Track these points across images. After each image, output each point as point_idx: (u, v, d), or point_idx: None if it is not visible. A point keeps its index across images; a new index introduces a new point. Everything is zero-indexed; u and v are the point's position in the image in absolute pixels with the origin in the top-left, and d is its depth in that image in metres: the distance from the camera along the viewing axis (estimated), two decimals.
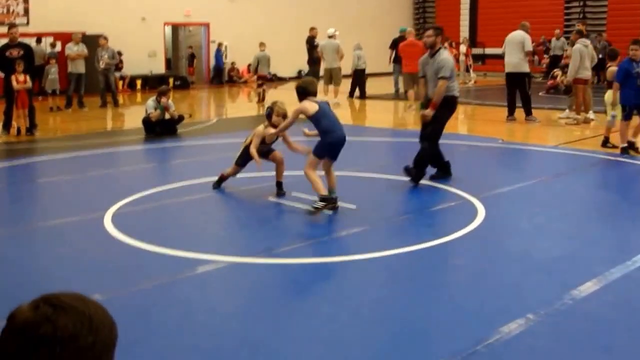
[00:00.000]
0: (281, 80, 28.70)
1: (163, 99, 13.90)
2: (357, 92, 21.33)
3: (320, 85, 19.80)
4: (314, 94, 7.69)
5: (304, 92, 7.61)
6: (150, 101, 13.97)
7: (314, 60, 20.23)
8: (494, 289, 5.45)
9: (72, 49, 19.19)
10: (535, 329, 4.55)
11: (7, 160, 11.74)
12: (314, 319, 4.80)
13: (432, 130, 8.98)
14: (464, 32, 32.41)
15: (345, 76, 20.58)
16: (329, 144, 7.46)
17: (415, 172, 8.86)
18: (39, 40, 21.40)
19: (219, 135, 13.86)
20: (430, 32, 9.10)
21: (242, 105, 22.31)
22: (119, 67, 22.62)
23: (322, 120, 7.44)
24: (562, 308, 4.90)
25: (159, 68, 26.74)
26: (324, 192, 7.32)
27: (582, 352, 4.23)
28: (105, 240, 6.70)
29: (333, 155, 7.57)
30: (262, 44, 21.10)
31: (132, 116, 18.03)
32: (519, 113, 15.10)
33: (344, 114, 17.81)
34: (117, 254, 6.39)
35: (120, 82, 23.94)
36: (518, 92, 14.95)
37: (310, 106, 7.43)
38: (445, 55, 9.04)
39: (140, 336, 4.44)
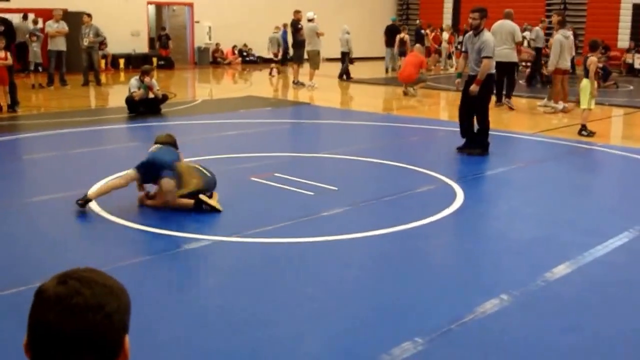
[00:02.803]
0: (268, 61, 28.74)
1: (146, 78, 13.91)
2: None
3: (306, 68, 20.05)
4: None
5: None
6: (134, 80, 13.99)
7: (298, 43, 20.29)
8: (470, 269, 5.61)
9: (52, 26, 19.08)
10: (508, 309, 4.70)
11: None
12: (294, 298, 4.91)
13: (480, 105, 9.98)
14: (447, 18, 32.54)
15: (335, 59, 21.01)
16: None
17: (479, 146, 9.96)
18: (25, 17, 21.27)
19: (202, 115, 13.92)
20: (476, 14, 9.93)
21: (226, 86, 22.32)
22: (102, 45, 22.50)
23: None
24: (535, 289, 5.06)
25: (143, 47, 26.64)
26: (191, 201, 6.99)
27: (551, 332, 4.38)
28: (88, 217, 6.78)
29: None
30: (276, 27, 24.70)
31: (115, 95, 18.03)
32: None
33: (330, 97, 17.94)
34: (101, 231, 6.48)
35: (103, 61, 23.85)
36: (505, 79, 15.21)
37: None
38: (488, 35, 9.99)
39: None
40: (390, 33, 24.35)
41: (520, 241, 6.28)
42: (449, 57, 27.92)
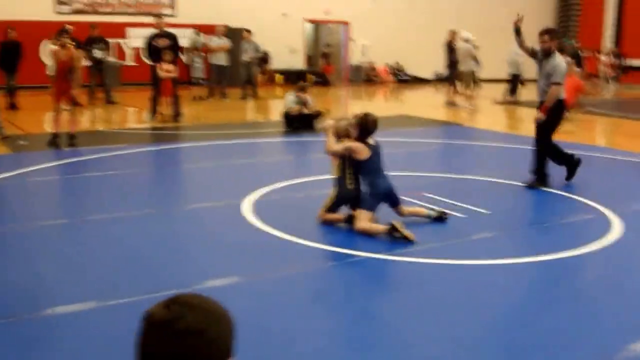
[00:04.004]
0: (420, 81, 28.75)
1: (302, 94, 14.28)
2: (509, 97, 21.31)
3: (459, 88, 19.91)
4: (373, 133, 7.11)
5: (365, 131, 7.05)
6: (290, 96, 14.40)
7: (452, 63, 20.19)
8: (626, 305, 5.35)
9: (215, 41, 19.93)
10: None
11: (152, 144, 12.45)
12: (438, 321, 4.88)
13: (543, 132, 9.22)
14: (607, 41, 31.31)
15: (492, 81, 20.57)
16: (377, 194, 7.01)
17: (536, 179, 9.19)
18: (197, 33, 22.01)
19: None
20: (546, 37, 9.09)
21: (379, 104, 22.47)
22: (265, 60, 23.18)
23: (374, 173, 7.01)
24: None
25: (299, 64, 27.32)
26: (384, 227, 6.68)
27: None
28: (242, 226, 7.04)
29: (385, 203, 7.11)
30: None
31: (272, 109, 18.58)
32: None
33: (484, 119, 17.70)
34: (253, 241, 6.69)
35: (261, 76, 24.65)
36: None
37: (363, 151, 6.94)
38: (559, 59, 9.06)
39: (272, 321, 4.69)
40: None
41: None
42: (608, 81, 26.85)
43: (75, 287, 5.33)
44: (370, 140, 7.06)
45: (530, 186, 9.17)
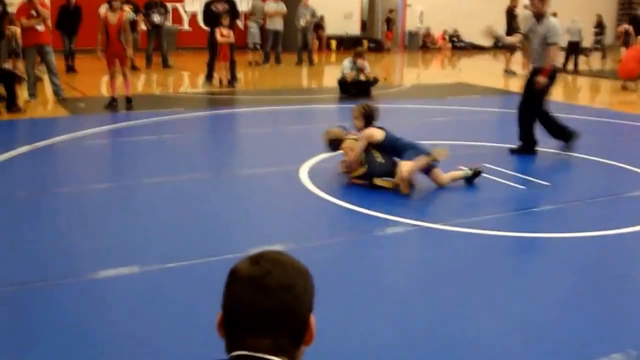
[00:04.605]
0: (478, 48, 28.26)
1: (359, 60, 14.11)
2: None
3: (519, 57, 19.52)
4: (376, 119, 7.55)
5: (369, 118, 7.49)
6: (347, 62, 14.24)
7: (512, 30, 19.73)
8: None
9: (272, 6, 19.82)
10: None
11: (209, 109, 12.48)
12: (493, 293, 4.77)
13: (537, 102, 9.06)
14: None
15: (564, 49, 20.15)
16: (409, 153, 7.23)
17: (564, 138, 9.16)
18: None
19: (411, 100, 13.91)
20: (536, 1, 8.90)
21: (435, 72, 22.17)
22: (320, 26, 23.01)
23: (396, 143, 7.32)
24: None
25: (355, 29, 27.06)
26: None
27: None
28: (299, 192, 7.01)
29: None
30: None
31: (327, 75, 18.45)
32: None
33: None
34: (310, 206, 6.66)
35: (317, 42, 24.47)
36: None
37: (378, 132, 7.35)
38: (553, 21, 8.99)
39: (328, 288, 4.64)
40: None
41: None
42: None
43: (132, 249, 5.36)
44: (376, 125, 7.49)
45: (516, 152, 9.07)
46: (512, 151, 9.08)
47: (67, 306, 4.36)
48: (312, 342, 1.59)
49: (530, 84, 9.02)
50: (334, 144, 7.62)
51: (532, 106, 9.08)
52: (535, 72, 8.95)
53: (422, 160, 7.08)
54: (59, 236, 5.71)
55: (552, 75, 8.99)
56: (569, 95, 16.95)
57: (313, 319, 1.58)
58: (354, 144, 7.37)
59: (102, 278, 4.77)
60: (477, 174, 7.46)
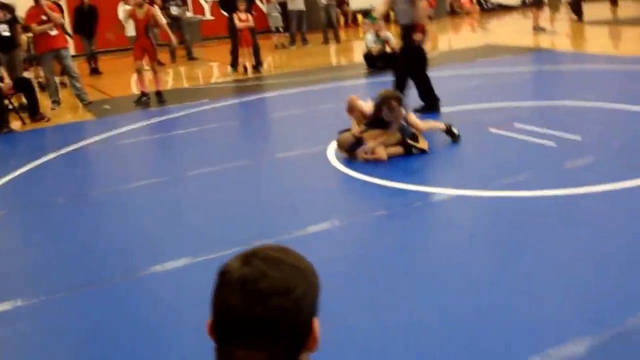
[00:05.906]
0: (506, 8, 27.82)
1: (382, 32, 13.96)
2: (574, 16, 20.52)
3: (546, 13, 19.16)
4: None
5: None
6: (369, 35, 14.11)
7: None
8: None
9: None
10: None
11: (237, 97, 12.49)
12: (536, 258, 4.68)
13: (419, 60, 9.24)
14: None
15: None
16: None
17: (428, 104, 9.23)
18: None
19: (440, 67, 13.74)
20: None
21: (464, 36, 21.84)
22: (344, 1, 22.75)
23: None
24: None
25: (379, 1, 26.79)
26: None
27: None
28: (330, 172, 7.00)
29: None
30: None
31: (355, 51, 18.31)
32: None
33: (572, 42, 17.00)
34: (342, 185, 6.64)
35: (342, 18, 24.28)
36: None
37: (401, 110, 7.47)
38: None
39: (361, 265, 4.62)
40: None
41: None
42: None
43: (187, 240, 5.43)
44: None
45: (420, 111, 9.03)
46: (417, 111, 8.93)
47: (130, 303, 4.43)
48: (316, 349, 1.39)
49: (406, 44, 9.19)
50: (352, 146, 7.46)
51: (416, 65, 9.23)
52: (406, 29, 9.15)
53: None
54: (109, 235, 5.82)
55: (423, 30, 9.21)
56: (596, 46, 16.57)
57: (317, 323, 1.38)
58: (371, 134, 7.44)
59: (161, 271, 4.83)
60: (448, 130, 7.70)
